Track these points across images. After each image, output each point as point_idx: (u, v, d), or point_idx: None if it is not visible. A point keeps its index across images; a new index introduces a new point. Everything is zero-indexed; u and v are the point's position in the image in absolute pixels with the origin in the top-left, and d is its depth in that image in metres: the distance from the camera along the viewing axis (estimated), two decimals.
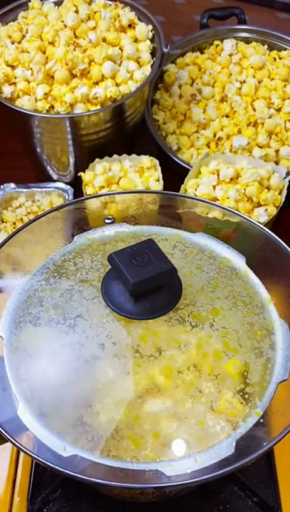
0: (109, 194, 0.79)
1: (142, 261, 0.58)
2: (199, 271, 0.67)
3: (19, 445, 0.55)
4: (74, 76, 0.97)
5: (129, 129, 1.05)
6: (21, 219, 1.03)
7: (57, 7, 1.04)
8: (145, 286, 0.58)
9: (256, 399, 0.59)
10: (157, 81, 1.11)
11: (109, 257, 0.60)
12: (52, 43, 0.98)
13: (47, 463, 0.54)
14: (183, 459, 0.55)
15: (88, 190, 0.96)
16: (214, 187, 0.93)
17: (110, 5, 1.04)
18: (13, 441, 0.55)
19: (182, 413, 0.57)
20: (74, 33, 0.99)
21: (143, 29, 1.02)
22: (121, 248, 0.60)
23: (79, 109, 0.95)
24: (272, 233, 0.70)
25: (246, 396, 0.59)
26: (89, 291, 0.65)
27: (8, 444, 0.73)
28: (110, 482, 0.54)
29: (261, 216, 0.90)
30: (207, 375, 0.59)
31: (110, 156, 1.00)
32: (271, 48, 1.14)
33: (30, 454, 0.55)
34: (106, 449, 0.55)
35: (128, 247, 0.60)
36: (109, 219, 0.74)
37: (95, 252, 0.69)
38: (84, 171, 0.98)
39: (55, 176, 1.09)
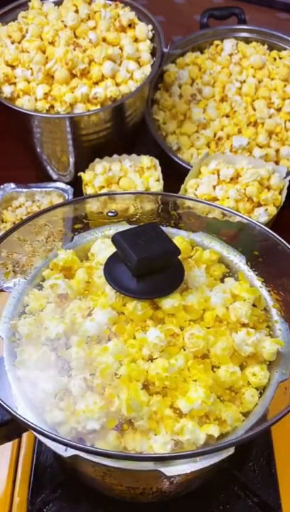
0: (108, 194, 0.79)
1: (146, 241, 0.58)
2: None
3: (38, 428, 0.54)
4: (74, 76, 0.97)
5: (129, 129, 1.05)
6: (21, 219, 1.03)
7: (57, 7, 1.04)
8: (148, 264, 0.58)
9: (256, 397, 0.59)
10: (157, 81, 1.11)
11: (113, 237, 0.59)
12: (52, 43, 0.98)
13: (67, 441, 0.53)
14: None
15: (88, 190, 0.96)
16: (214, 187, 0.93)
17: (110, 5, 1.04)
18: (34, 426, 0.54)
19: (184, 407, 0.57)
20: (74, 33, 0.99)
21: (143, 29, 1.02)
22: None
23: (79, 109, 0.95)
24: (272, 232, 0.70)
25: (246, 395, 0.59)
26: (89, 288, 0.65)
27: (8, 444, 0.73)
28: (119, 453, 0.53)
29: (261, 216, 0.90)
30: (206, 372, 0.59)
31: (110, 156, 1.00)
32: (271, 48, 1.14)
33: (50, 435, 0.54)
34: (106, 446, 0.55)
35: (132, 228, 0.60)
36: (112, 212, 0.74)
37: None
38: (84, 171, 0.98)
39: (55, 176, 1.09)
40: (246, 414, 0.58)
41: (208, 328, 0.61)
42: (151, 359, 0.58)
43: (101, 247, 0.68)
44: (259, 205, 0.92)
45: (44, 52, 0.97)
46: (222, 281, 0.68)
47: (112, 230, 0.72)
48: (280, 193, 0.94)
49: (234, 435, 0.56)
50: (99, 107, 0.96)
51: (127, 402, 0.54)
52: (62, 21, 0.99)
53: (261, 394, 0.59)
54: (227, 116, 1.07)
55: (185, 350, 0.59)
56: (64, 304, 0.62)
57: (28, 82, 0.97)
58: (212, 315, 0.61)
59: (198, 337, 0.58)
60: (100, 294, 0.64)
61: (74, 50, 0.97)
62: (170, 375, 0.56)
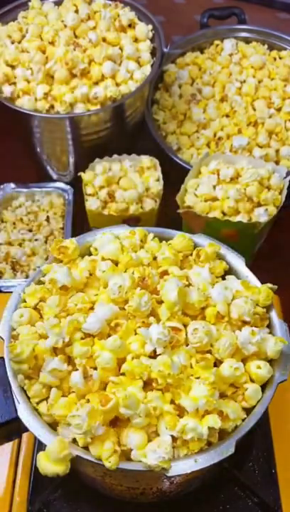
0: None
1: None
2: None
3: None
4: (74, 76, 0.97)
5: (129, 129, 1.05)
6: (21, 219, 1.03)
7: (57, 7, 1.04)
8: None
9: (259, 393, 0.59)
10: (157, 81, 1.11)
11: None
12: (52, 43, 0.98)
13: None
14: (183, 459, 0.55)
15: (88, 190, 0.96)
16: (214, 187, 0.93)
17: (110, 5, 1.04)
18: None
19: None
20: (74, 33, 0.99)
21: (143, 29, 1.01)
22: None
23: (79, 109, 0.95)
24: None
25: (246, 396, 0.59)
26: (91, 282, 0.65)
27: (8, 444, 0.73)
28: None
29: (261, 216, 0.90)
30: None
31: (110, 156, 1.00)
32: (271, 48, 1.14)
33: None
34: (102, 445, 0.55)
35: None
36: None
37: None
38: (84, 171, 0.98)
39: (55, 176, 1.09)
40: (247, 412, 0.59)
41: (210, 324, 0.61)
42: (153, 356, 0.58)
43: (104, 241, 0.68)
44: (259, 205, 0.92)
45: (44, 52, 0.97)
46: (223, 278, 0.68)
47: (112, 231, 0.72)
48: (280, 193, 0.94)
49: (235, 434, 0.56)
50: (99, 107, 0.96)
51: (124, 401, 0.54)
52: (62, 21, 0.99)
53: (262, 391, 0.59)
54: (227, 116, 1.07)
55: (187, 346, 0.59)
56: (65, 298, 0.62)
57: (28, 82, 0.97)
58: (213, 311, 0.61)
59: (202, 332, 0.58)
60: (102, 289, 0.64)
61: (74, 50, 0.97)
62: (173, 373, 0.56)
